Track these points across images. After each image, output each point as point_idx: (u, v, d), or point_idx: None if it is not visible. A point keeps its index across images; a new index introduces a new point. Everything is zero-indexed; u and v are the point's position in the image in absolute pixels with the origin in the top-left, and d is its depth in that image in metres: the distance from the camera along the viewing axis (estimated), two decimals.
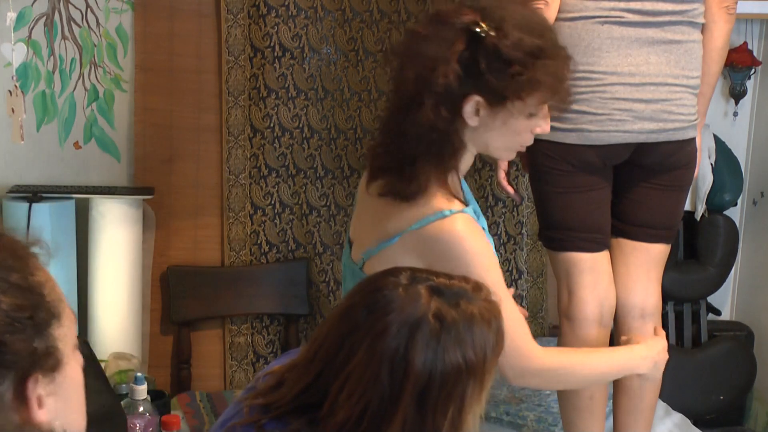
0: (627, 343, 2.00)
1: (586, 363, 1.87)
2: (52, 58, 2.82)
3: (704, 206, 3.23)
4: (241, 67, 2.92)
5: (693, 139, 2.24)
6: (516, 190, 2.38)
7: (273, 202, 3.01)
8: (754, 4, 3.06)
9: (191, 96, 2.93)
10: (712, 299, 3.38)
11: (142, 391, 2.24)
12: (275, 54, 2.91)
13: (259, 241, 3.03)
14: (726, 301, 3.48)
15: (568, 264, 2.23)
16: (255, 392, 1.39)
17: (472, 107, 1.61)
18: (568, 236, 2.22)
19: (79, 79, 2.85)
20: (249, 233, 3.02)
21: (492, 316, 1.30)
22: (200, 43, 2.92)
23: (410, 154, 1.63)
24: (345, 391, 1.25)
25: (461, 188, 1.75)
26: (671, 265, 2.56)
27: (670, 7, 2.14)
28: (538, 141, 1.80)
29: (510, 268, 3.14)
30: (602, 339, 2.27)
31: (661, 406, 2.74)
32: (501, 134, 1.66)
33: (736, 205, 3.35)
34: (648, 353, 1.91)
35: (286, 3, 2.89)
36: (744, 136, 3.38)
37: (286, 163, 2.99)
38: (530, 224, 3.12)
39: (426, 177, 1.63)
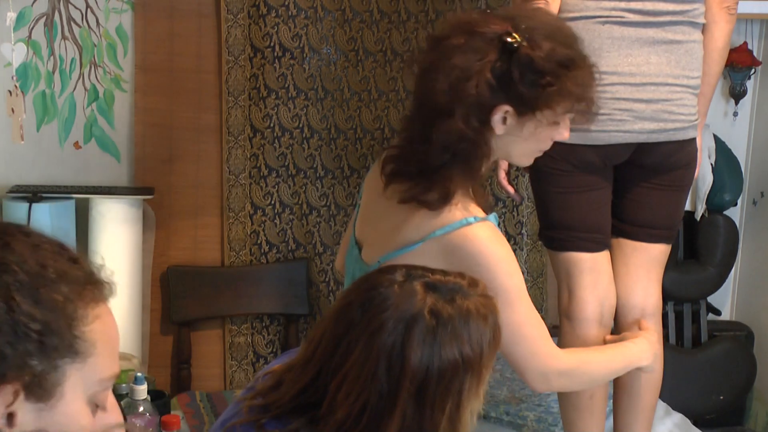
0: (611, 341, 2.06)
1: (599, 361, 1.92)
2: (52, 58, 2.82)
3: (704, 206, 3.23)
4: (241, 67, 2.92)
5: (693, 139, 2.24)
6: (516, 190, 2.38)
7: (273, 202, 3.01)
8: (754, 4, 3.06)
9: (191, 96, 2.93)
10: (712, 299, 3.38)
11: (142, 391, 2.24)
12: (275, 54, 2.91)
13: (259, 241, 3.03)
14: (726, 301, 3.48)
15: (568, 264, 2.23)
16: (254, 392, 1.39)
17: (500, 116, 1.63)
18: (568, 236, 2.22)
19: (79, 79, 2.85)
20: (249, 233, 3.02)
21: (488, 311, 1.31)
22: (200, 43, 2.92)
23: (437, 162, 1.64)
24: (343, 389, 1.25)
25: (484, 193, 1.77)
26: (671, 265, 2.56)
27: (670, 7, 2.14)
28: None
29: None
30: (602, 339, 2.27)
31: (661, 406, 2.73)
32: (525, 142, 1.68)
33: (736, 205, 3.35)
34: (648, 345, 1.96)
35: (286, 3, 2.89)
36: (744, 136, 3.38)
37: (286, 163, 2.99)
38: (530, 224, 3.12)
39: (452, 185, 1.64)
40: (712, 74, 2.26)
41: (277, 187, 3.00)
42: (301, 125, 2.98)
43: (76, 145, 2.89)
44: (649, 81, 2.14)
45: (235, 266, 3.02)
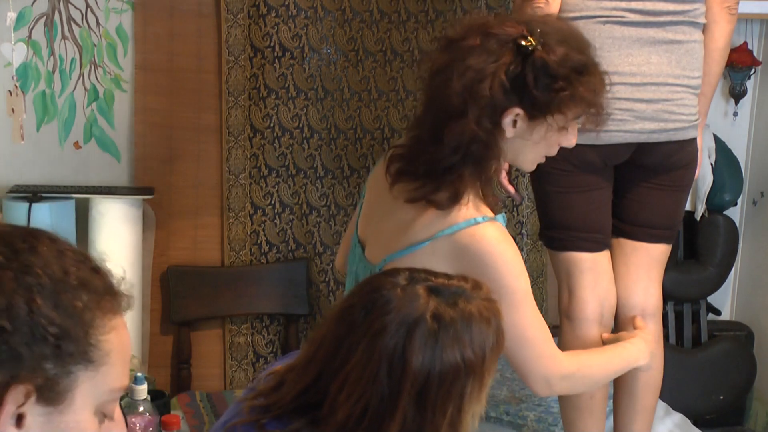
0: (608, 341, 2.08)
1: (599, 363, 1.92)
2: (52, 58, 2.82)
3: (704, 206, 3.23)
4: (241, 67, 2.92)
5: (694, 139, 2.24)
6: (516, 190, 2.38)
7: (273, 202, 3.01)
8: (755, 4, 3.06)
9: (191, 96, 2.93)
10: (712, 299, 3.38)
11: (142, 390, 2.23)
12: (275, 54, 2.91)
13: (259, 241, 3.03)
14: (726, 301, 3.48)
15: (568, 264, 2.23)
16: (255, 392, 1.39)
17: (511, 119, 1.64)
18: (568, 236, 2.22)
19: (79, 79, 2.85)
20: (249, 233, 3.02)
21: (491, 314, 1.30)
22: (200, 43, 2.92)
23: (447, 162, 1.64)
24: (344, 391, 1.25)
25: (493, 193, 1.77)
26: (671, 265, 2.56)
27: (671, 7, 2.14)
28: None
29: None
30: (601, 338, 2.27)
31: (661, 406, 2.73)
32: (535, 145, 1.70)
33: (736, 205, 3.35)
34: (644, 345, 1.98)
35: (286, 3, 2.89)
36: (744, 136, 3.38)
37: (286, 163, 2.99)
38: (530, 224, 3.12)
39: (462, 185, 1.65)
40: (713, 74, 2.26)
41: (277, 187, 3.00)
42: (301, 125, 2.98)
43: (76, 145, 2.89)
44: (650, 81, 2.14)
45: (235, 266, 3.02)
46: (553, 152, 1.75)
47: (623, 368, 1.97)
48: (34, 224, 2.60)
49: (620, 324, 2.30)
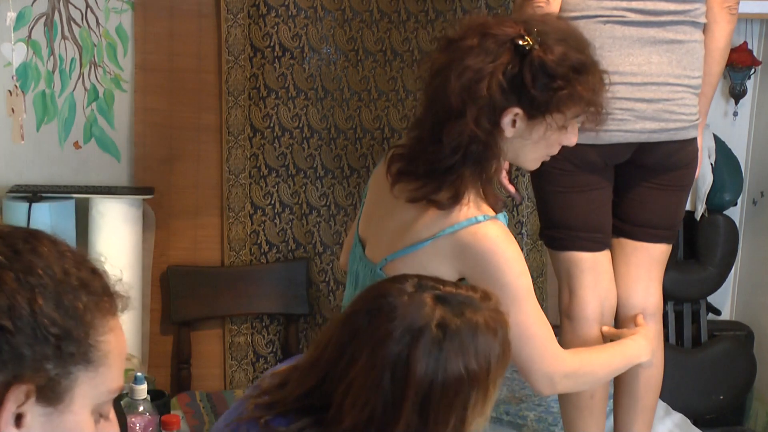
0: (611, 335, 2.10)
1: (600, 361, 1.92)
2: (52, 57, 2.82)
3: (704, 206, 3.23)
4: (241, 67, 2.92)
5: (694, 139, 2.24)
6: (516, 190, 2.38)
7: (273, 201, 3.01)
8: (755, 4, 3.05)
9: (191, 96, 2.93)
10: (712, 299, 3.38)
11: (141, 390, 2.23)
12: (275, 54, 2.91)
13: (259, 241, 3.03)
14: (726, 301, 3.48)
15: (569, 263, 2.23)
16: (259, 390, 1.39)
17: (510, 119, 1.64)
18: (569, 235, 2.22)
19: (79, 79, 2.85)
20: (249, 233, 3.02)
21: (498, 325, 1.29)
22: (200, 43, 2.92)
23: (447, 162, 1.64)
24: (350, 397, 1.25)
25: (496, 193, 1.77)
26: (671, 264, 2.56)
27: (672, 6, 2.14)
28: None
29: None
30: (602, 337, 2.27)
31: (661, 406, 2.73)
32: (535, 145, 1.70)
33: (736, 204, 3.35)
34: (645, 342, 1.99)
35: (286, 3, 2.89)
36: (744, 136, 3.38)
37: (286, 163, 2.99)
38: (530, 224, 3.12)
39: (462, 185, 1.65)
40: (713, 74, 2.26)
41: (277, 186, 3.00)
42: (301, 125, 2.97)
43: (76, 144, 2.89)
44: (651, 81, 2.14)
45: (235, 266, 3.02)
46: (555, 152, 1.75)
47: (625, 365, 1.97)
48: (34, 224, 2.60)
49: (621, 324, 2.30)
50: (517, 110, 1.63)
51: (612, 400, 2.38)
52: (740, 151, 3.35)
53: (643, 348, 1.96)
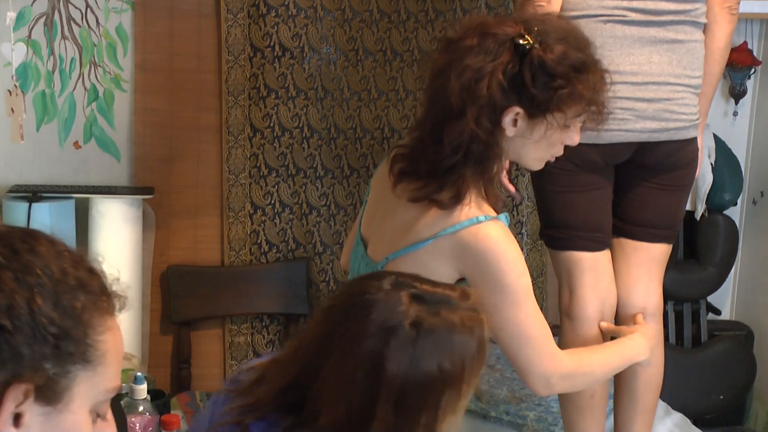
0: (609, 331, 2.11)
1: (598, 361, 1.92)
2: (51, 57, 2.82)
3: (704, 206, 3.23)
4: (241, 66, 2.92)
5: (694, 139, 2.24)
6: (516, 189, 2.38)
7: (273, 201, 3.01)
8: (755, 4, 3.05)
9: (191, 96, 2.93)
10: (712, 299, 3.38)
11: (141, 390, 2.23)
12: (275, 54, 2.91)
13: (259, 241, 3.03)
14: (726, 301, 3.48)
15: (569, 263, 2.23)
16: (237, 390, 1.37)
17: (511, 118, 1.64)
18: (569, 235, 2.22)
19: (78, 78, 2.85)
20: (249, 233, 3.02)
21: (475, 324, 1.28)
22: (200, 43, 2.92)
23: (449, 162, 1.64)
24: (324, 392, 1.24)
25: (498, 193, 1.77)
26: (671, 264, 2.56)
27: (672, 6, 2.14)
28: None
29: None
30: (602, 337, 2.27)
31: (661, 405, 2.73)
32: (537, 144, 1.70)
33: (736, 204, 3.35)
34: (644, 340, 1.98)
35: (286, 3, 2.89)
36: (744, 136, 3.38)
37: (286, 163, 2.99)
38: (530, 224, 3.12)
39: (464, 185, 1.65)
40: (714, 74, 2.26)
41: (277, 186, 3.00)
42: (301, 125, 2.97)
43: (76, 144, 2.89)
44: (651, 80, 2.14)
45: (235, 266, 3.02)
46: (559, 152, 1.75)
47: (623, 364, 1.97)
48: (34, 224, 2.60)
49: (621, 323, 2.30)
50: (518, 109, 1.63)
51: (612, 400, 2.38)
52: (740, 150, 3.35)
53: (642, 347, 1.96)
